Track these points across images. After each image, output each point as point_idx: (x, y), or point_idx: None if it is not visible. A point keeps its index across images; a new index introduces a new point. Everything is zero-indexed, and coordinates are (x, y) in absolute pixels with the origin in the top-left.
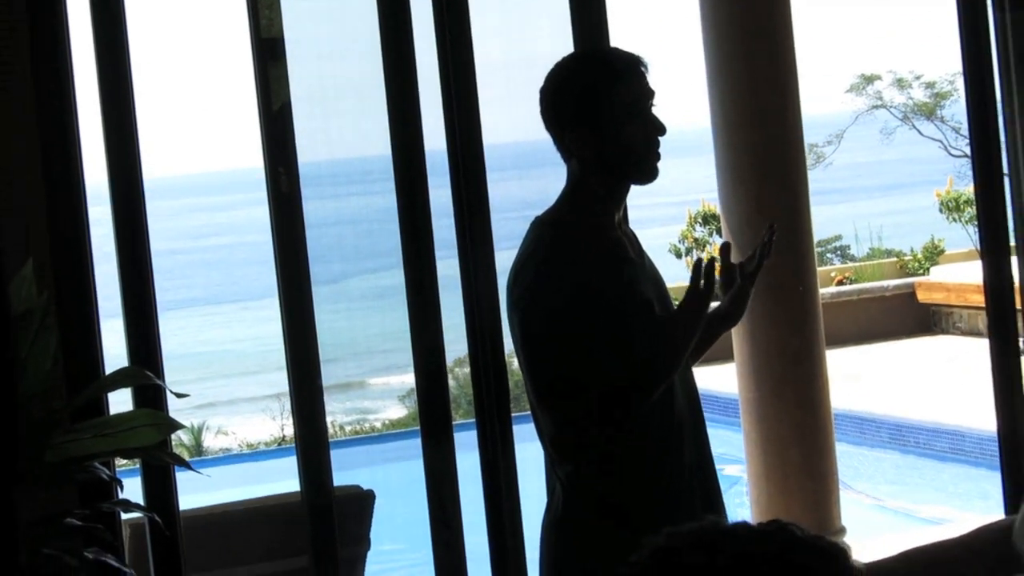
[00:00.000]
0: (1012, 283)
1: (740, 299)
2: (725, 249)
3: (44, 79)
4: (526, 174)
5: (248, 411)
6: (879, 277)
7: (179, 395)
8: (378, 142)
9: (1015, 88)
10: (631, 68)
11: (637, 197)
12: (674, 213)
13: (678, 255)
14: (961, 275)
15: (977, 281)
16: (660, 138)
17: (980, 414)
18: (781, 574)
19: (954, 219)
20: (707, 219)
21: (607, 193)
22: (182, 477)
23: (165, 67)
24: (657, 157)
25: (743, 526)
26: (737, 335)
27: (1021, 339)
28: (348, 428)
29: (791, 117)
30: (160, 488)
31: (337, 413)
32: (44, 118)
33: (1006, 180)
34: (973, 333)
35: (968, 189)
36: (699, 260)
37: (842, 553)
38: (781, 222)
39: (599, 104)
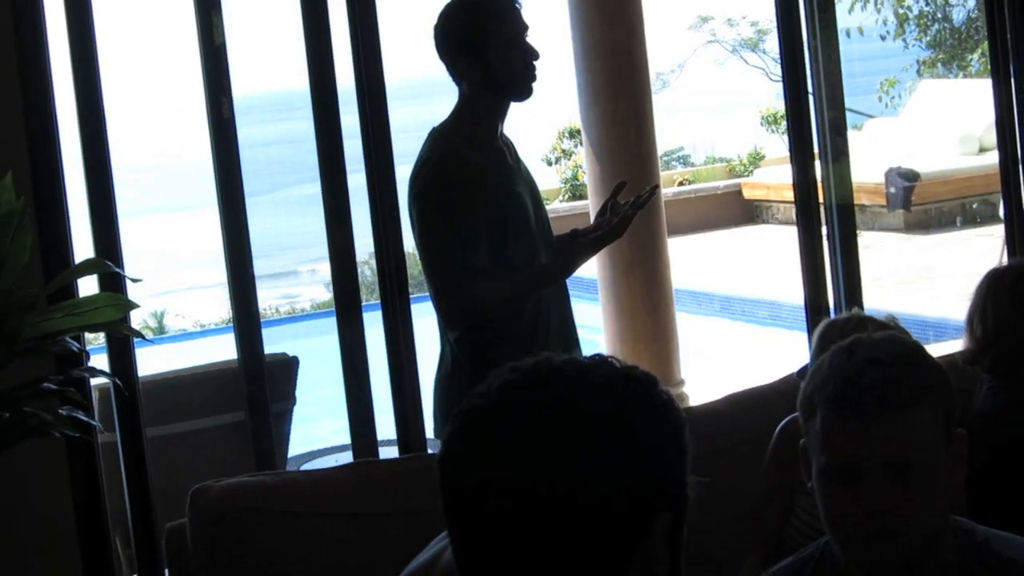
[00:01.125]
0: (815, 181)
1: (609, 234)
2: (619, 186)
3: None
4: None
5: (200, 297)
6: (712, 179)
7: (134, 280)
8: (299, 77)
9: (817, 23)
10: (508, 5)
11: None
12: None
13: (548, 163)
14: (778, 176)
15: (789, 180)
16: (535, 62)
17: (792, 287)
18: (604, 399)
19: (772, 131)
20: (572, 133)
21: (491, 110)
22: (153, 351)
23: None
24: (533, 79)
25: (572, 360)
26: None
27: (823, 226)
28: (283, 310)
29: (638, 48)
30: (121, 358)
31: (272, 298)
32: (23, 44)
33: (811, 98)
34: (788, 222)
35: (783, 107)
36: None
37: (654, 380)
38: (630, 133)
39: (483, 36)
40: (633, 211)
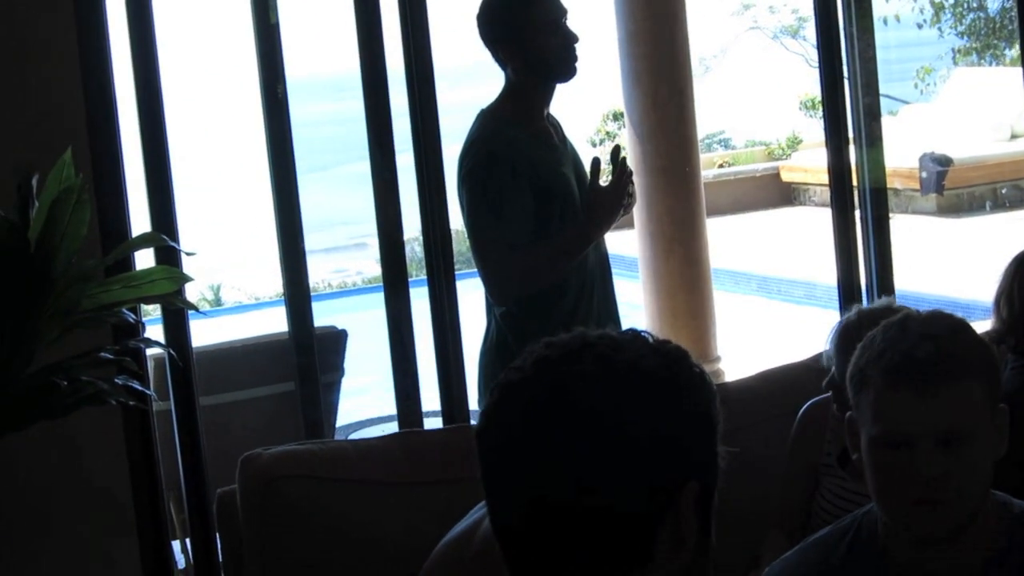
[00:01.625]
0: (850, 166)
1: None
2: (616, 150)
3: None
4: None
5: (256, 271)
6: (752, 161)
7: (189, 253)
8: (351, 58)
9: (854, 11)
10: None
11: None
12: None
13: (593, 145)
14: (814, 160)
15: (825, 164)
16: (575, 45)
17: (827, 268)
18: (635, 374)
19: (811, 116)
20: (616, 116)
21: (536, 92)
22: (209, 323)
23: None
24: (575, 59)
25: (605, 336)
26: (637, 208)
27: (856, 209)
28: (334, 283)
29: (680, 33)
30: (176, 329)
31: (324, 272)
32: (83, 22)
33: (847, 84)
34: (824, 205)
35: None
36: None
37: (685, 354)
38: (671, 116)
39: (522, 24)
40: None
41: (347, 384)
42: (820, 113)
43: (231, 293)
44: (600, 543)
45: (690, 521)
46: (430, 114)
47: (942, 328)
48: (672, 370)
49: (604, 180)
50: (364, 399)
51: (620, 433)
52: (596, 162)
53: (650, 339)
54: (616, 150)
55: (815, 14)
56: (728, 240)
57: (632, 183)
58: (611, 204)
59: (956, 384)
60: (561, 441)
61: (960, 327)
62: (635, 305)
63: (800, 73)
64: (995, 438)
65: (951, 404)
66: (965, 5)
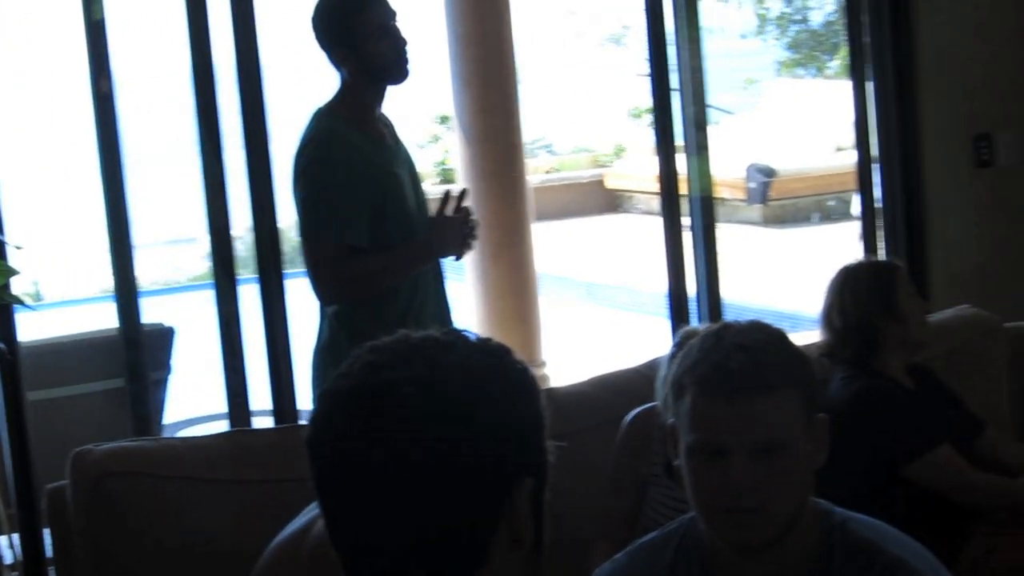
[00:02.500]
0: (678, 174)
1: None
2: (463, 194)
3: None
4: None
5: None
6: (577, 168)
7: (17, 247)
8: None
9: (682, 21)
10: None
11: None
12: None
13: (420, 147)
14: (639, 168)
15: (650, 172)
16: (405, 48)
17: (652, 274)
18: (462, 374)
19: (636, 123)
20: (443, 119)
21: (370, 93)
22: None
23: None
24: (406, 61)
25: (429, 338)
26: None
27: (684, 217)
28: (161, 281)
29: (507, 37)
30: (2, 323)
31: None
32: None
33: (675, 94)
34: (648, 212)
35: (646, 100)
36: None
37: (508, 351)
38: (499, 120)
39: (353, 29)
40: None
41: (175, 381)
42: (646, 121)
43: (55, 288)
44: (437, 546)
45: (525, 519)
46: (259, 111)
47: (757, 338)
48: (498, 368)
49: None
50: (191, 396)
51: (452, 435)
52: (447, 195)
53: (472, 338)
54: (463, 194)
55: (646, 23)
56: (554, 245)
57: (475, 224)
58: (452, 240)
59: (770, 394)
60: (393, 447)
61: (776, 337)
62: (462, 308)
63: (626, 80)
64: (812, 448)
65: (765, 414)
66: (789, 17)
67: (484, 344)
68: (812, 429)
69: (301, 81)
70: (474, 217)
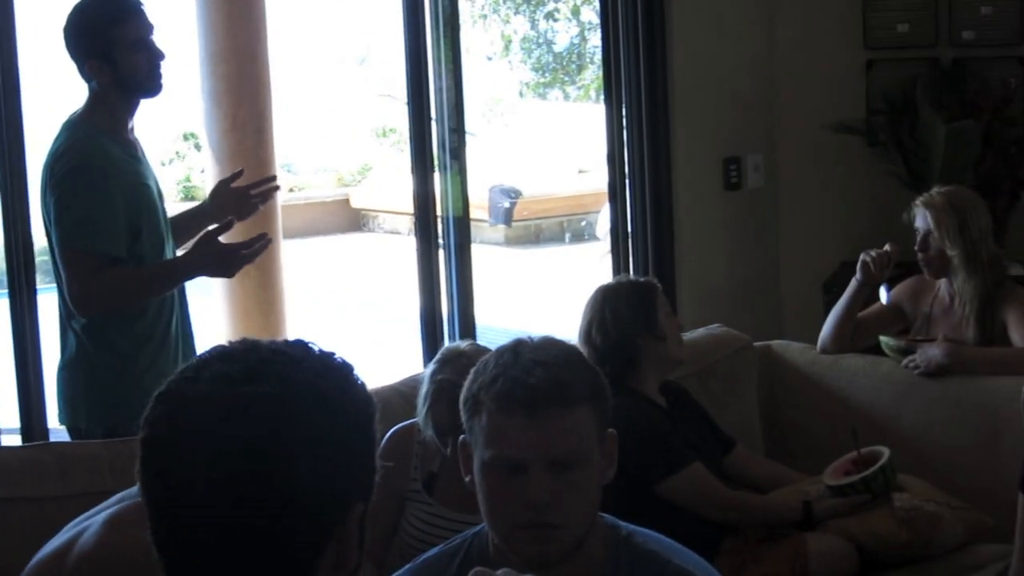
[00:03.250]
0: (434, 194)
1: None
2: (237, 174)
3: None
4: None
5: None
6: (321, 187)
7: None
8: None
9: (442, 46)
10: (132, 8)
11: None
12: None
13: (163, 164)
14: (384, 188)
15: (395, 191)
16: (160, 63)
17: (399, 293)
18: (313, 394)
19: (381, 144)
20: (188, 136)
21: (123, 106)
22: None
23: None
24: (160, 78)
25: (280, 352)
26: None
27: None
28: None
29: (259, 55)
30: None
31: None
32: None
33: (427, 114)
34: (392, 232)
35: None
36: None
37: (351, 368)
38: (250, 138)
39: (110, 41)
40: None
41: None
42: (392, 141)
43: None
44: (263, 568)
45: (353, 543)
46: (14, 123)
47: (554, 354)
48: (344, 389)
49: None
50: None
51: (299, 457)
52: (229, 222)
53: (318, 352)
54: (239, 173)
55: (404, 44)
56: (301, 264)
57: (253, 249)
58: (219, 260)
59: (567, 410)
60: (239, 463)
61: (571, 353)
62: (211, 324)
63: (368, 100)
64: (604, 463)
65: (562, 430)
66: (534, 41)
67: (329, 360)
68: (604, 443)
69: (50, 91)
70: (261, 244)
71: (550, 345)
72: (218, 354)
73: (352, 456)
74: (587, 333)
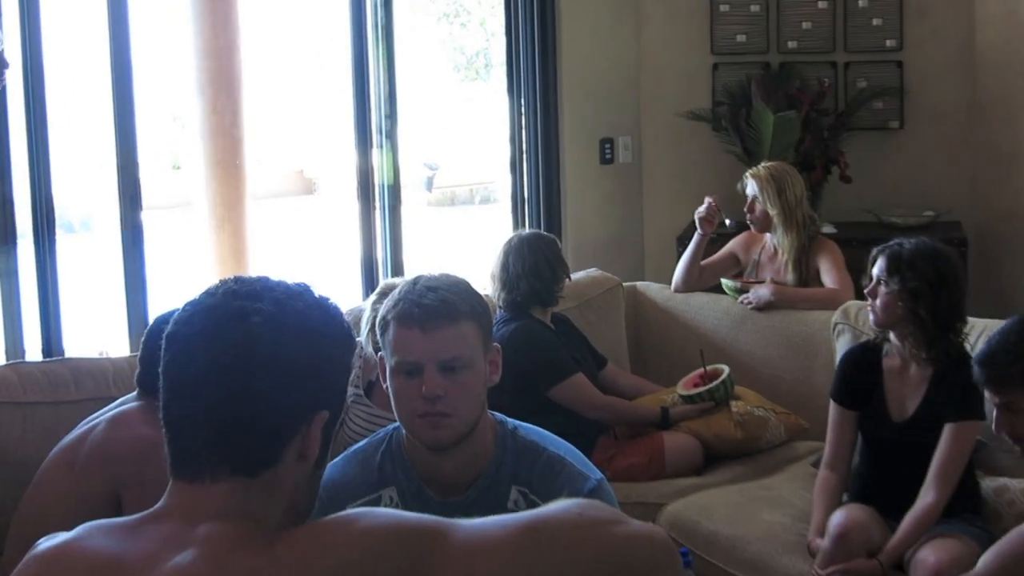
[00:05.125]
0: (372, 166)
1: None
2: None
3: None
4: None
5: None
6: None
7: None
8: None
9: (380, 35)
10: None
11: None
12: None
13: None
14: (332, 160)
15: (341, 163)
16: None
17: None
18: (302, 318)
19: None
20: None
21: None
22: None
23: None
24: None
25: (283, 284)
26: (199, 192)
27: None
28: None
29: (237, 51)
30: None
31: None
32: None
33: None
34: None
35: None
36: None
37: (340, 311)
38: (226, 120)
39: None
40: None
41: None
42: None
43: None
44: (238, 444)
45: (316, 441)
46: (39, 96)
47: (443, 282)
48: (326, 322)
49: None
50: None
51: (279, 361)
52: None
53: (316, 294)
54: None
55: (351, 37)
56: (264, 220)
57: None
58: None
59: (453, 324)
60: (234, 354)
61: (459, 282)
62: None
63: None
64: (490, 369)
65: (450, 339)
66: (451, 45)
67: (324, 301)
68: (488, 354)
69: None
70: None
71: (442, 277)
72: (236, 278)
73: (322, 375)
74: (501, 270)
